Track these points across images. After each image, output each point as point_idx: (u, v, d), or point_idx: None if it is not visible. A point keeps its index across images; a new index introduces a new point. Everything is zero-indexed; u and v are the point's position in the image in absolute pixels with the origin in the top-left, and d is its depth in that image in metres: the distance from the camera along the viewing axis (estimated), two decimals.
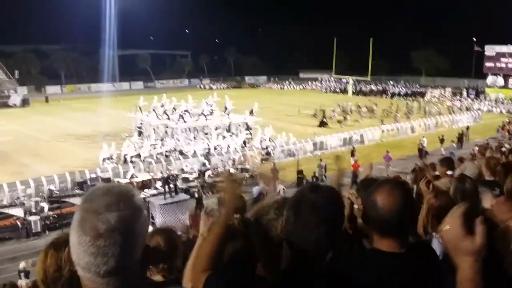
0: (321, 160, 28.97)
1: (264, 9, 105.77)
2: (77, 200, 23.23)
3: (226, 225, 2.18)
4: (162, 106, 37.30)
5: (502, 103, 61.15)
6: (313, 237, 1.77)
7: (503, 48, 63.96)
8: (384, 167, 28.17)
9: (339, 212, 1.88)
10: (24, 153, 33.16)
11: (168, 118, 36.26)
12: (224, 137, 34.67)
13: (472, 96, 66.90)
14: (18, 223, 20.54)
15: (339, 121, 45.25)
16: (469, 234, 1.46)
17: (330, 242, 1.80)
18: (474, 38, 77.01)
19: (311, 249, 1.79)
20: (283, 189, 22.65)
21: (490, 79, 66.13)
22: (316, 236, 1.77)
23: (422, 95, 67.95)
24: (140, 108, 38.67)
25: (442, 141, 34.97)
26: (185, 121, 35.73)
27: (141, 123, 37.86)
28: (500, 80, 64.88)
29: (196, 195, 23.05)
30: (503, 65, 64.10)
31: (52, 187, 23.92)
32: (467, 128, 42.02)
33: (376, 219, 2.06)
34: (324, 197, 1.82)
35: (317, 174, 27.31)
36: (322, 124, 44.70)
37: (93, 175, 25.42)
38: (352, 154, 30.43)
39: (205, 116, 36.64)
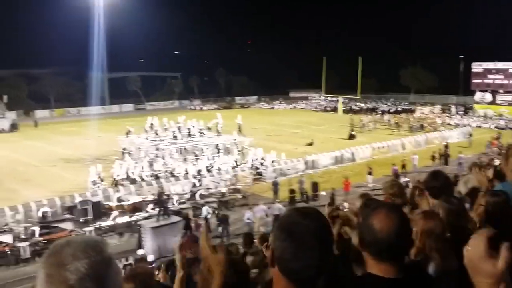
0: (302, 176, 30.39)
1: (253, 29, 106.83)
2: (67, 225, 22.94)
3: None
4: (152, 127, 37.21)
5: (491, 119, 61.70)
6: (307, 261, 1.69)
7: (490, 65, 64.77)
8: None
9: (330, 235, 1.81)
10: (13, 179, 32.81)
11: (159, 140, 36.17)
12: (215, 157, 34.58)
13: (461, 113, 67.50)
14: (7, 250, 20.17)
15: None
16: (492, 257, 1.46)
17: (324, 266, 1.72)
18: (461, 56, 78.08)
19: (304, 274, 1.71)
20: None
21: (478, 95, 66.79)
22: (310, 260, 1.69)
23: (412, 112, 68.43)
24: (130, 130, 38.57)
25: (433, 158, 35.11)
26: (176, 143, 35.65)
27: (132, 145, 37.73)
28: (488, 96, 65.55)
29: (187, 217, 22.86)
30: (491, 81, 64.80)
31: (46, 209, 23.56)
32: (470, 135, 45.57)
33: (373, 242, 2.01)
34: (315, 221, 1.75)
35: (302, 190, 28.12)
36: (351, 137, 46.73)
37: (83, 199, 25.15)
38: (370, 173, 30.77)
39: (196, 136, 36.58)
